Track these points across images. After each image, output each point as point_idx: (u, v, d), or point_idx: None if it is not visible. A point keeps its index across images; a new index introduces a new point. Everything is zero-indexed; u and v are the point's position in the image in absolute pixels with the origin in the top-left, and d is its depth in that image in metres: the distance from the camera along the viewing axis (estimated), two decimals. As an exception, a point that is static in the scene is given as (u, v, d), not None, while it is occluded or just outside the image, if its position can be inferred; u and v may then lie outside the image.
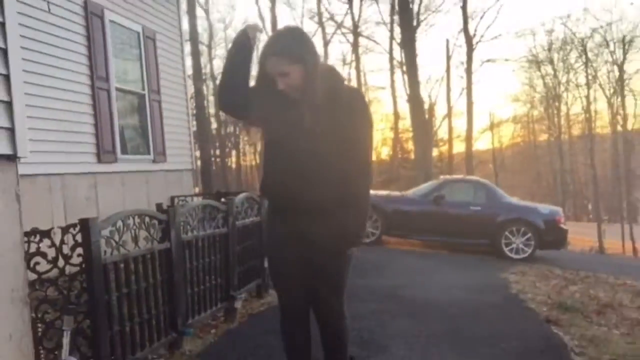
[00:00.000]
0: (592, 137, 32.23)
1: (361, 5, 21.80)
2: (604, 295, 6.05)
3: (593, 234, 25.39)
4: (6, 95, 2.43)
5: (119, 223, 2.98)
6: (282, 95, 2.11)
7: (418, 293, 5.46)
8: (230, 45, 2.30)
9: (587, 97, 33.68)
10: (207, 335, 3.78)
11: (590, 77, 32.91)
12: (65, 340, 2.62)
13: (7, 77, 2.43)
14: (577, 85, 35.58)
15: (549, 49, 34.34)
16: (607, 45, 31.37)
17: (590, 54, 32.05)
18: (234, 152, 32.47)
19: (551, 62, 35.01)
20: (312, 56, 2.07)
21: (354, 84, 22.58)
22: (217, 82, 23.45)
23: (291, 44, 2.06)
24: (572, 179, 39.51)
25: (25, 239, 2.65)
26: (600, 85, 33.95)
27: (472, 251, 9.39)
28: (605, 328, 4.40)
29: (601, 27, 31.43)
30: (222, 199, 4.66)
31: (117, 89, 6.52)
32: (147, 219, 3.24)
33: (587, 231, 25.95)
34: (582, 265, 9.09)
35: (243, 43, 2.12)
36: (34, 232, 2.76)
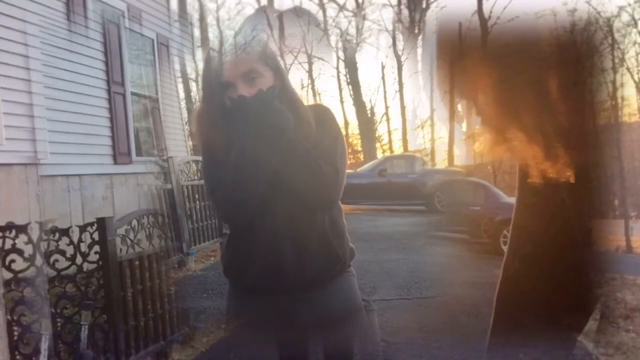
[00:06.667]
0: (619, 126, 30.71)
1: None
2: (632, 298, 5.55)
3: (620, 231, 24.30)
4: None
5: (134, 222, 3.13)
6: None
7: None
8: None
9: (614, 82, 32.13)
10: (218, 329, 3.92)
11: (616, 60, 31.27)
12: (83, 335, 2.77)
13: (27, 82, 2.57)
14: (602, 70, 34.36)
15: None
16: (636, 25, 29.73)
17: (617, 35, 30.60)
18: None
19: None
20: None
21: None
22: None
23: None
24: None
25: (45, 237, 2.79)
26: (627, 69, 32.15)
27: (471, 249, 9.36)
28: (634, 334, 4.08)
29: (629, 4, 29.57)
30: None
31: (132, 93, 6.71)
32: (160, 219, 3.39)
33: (613, 229, 25.09)
34: (607, 266, 8.79)
35: None
36: (54, 230, 2.91)
